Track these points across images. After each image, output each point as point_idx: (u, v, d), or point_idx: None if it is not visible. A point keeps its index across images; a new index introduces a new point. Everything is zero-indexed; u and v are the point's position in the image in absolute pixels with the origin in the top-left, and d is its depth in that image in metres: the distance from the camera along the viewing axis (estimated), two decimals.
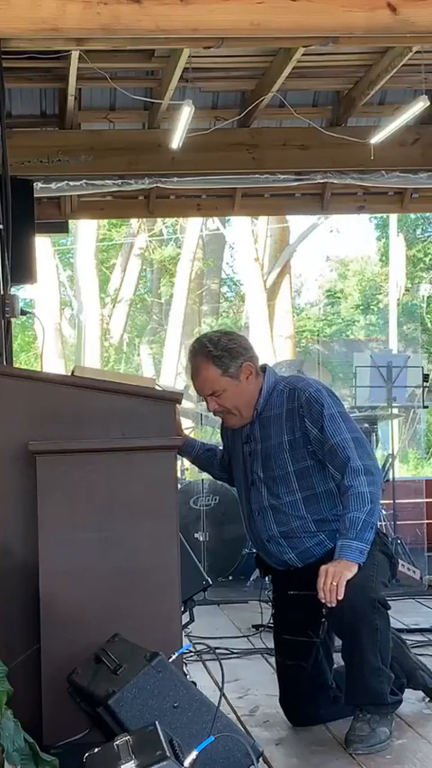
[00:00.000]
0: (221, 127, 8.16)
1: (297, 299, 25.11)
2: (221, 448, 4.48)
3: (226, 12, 4.76)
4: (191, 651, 4.89)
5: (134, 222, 21.99)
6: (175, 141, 7.74)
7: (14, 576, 3.77)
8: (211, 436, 8.28)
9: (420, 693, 4.39)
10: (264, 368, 4.20)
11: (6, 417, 3.80)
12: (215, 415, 4.25)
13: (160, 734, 2.80)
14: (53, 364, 19.47)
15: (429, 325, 23.62)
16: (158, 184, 8.63)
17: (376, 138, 7.97)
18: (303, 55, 6.85)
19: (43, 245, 18.72)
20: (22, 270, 6.72)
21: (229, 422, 4.19)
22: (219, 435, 4.57)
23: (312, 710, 4.17)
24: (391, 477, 8.02)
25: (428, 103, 7.11)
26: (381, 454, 9.18)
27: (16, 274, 6.29)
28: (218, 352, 4.08)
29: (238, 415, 4.14)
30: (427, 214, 20.92)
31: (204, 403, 4.27)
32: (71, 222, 11.57)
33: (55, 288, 22.00)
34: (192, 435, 7.75)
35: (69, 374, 4.13)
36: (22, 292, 18.93)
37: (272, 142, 8.49)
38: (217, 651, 4.80)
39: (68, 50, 6.42)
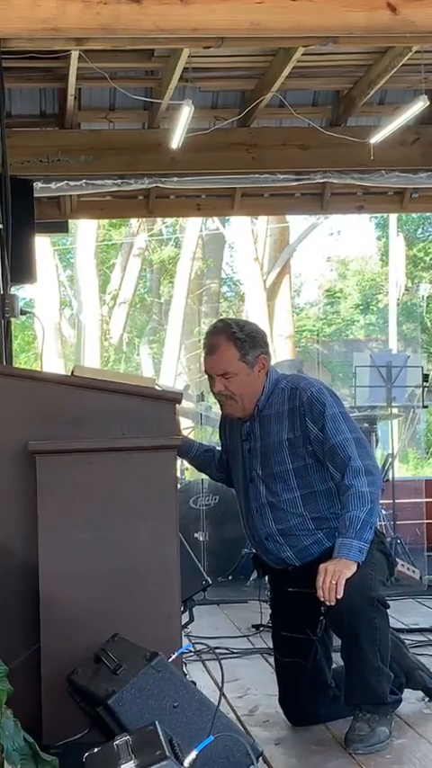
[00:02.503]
0: (221, 127, 8.16)
1: (297, 298, 25.11)
2: (219, 449, 4.48)
3: (226, 12, 4.76)
4: (190, 651, 4.89)
5: (134, 222, 21.98)
6: (175, 141, 7.74)
7: (14, 576, 3.77)
8: (211, 436, 8.28)
9: (420, 693, 4.39)
10: None
11: (6, 417, 3.81)
12: (217, 396, 4.19)
13: (160, 734, 2.80)
14: (53, 364, 19.47)
15: (429, 324, 23.62)
16: (158, 184, 8.63)
17: (376, 138, 7.97)
18: (303, 55, 6.84)
19: (43, 245, 18.72)
20: (21, 270, 6.72)
21: (228, 408, 4.17)
22: (218, 435, 4.57)
23: (312, 710, 4.17)
24: (390, 476, 8.02)
25: (428, 103, 7.11)
26: (380, 454, 9.19)
27: (16, 274, 6.30)
28: (242, 336, 4.07)
29: (240, 404, 4.12)
30: (428, 214, 20.90)
31: (203, 403, 4.27)
32: (71, 222, 11.56)
33: (55, 288, 22.01)
34: (191, 435, 7.77)
35: (69, 374, 4.13)
36: (22, 292, 18.93)
37: (271, 142, 8.48)
38: (216, 651, 4.80)
39: (68, 50, 6.42)
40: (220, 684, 3.26)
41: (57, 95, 8.12)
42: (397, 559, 6.93)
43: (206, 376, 4.23)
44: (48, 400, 3.84)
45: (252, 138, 8.46)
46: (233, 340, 4.07)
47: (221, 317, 4.35)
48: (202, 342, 4.21)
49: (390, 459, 8.29)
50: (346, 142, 8.20)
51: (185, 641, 4.36)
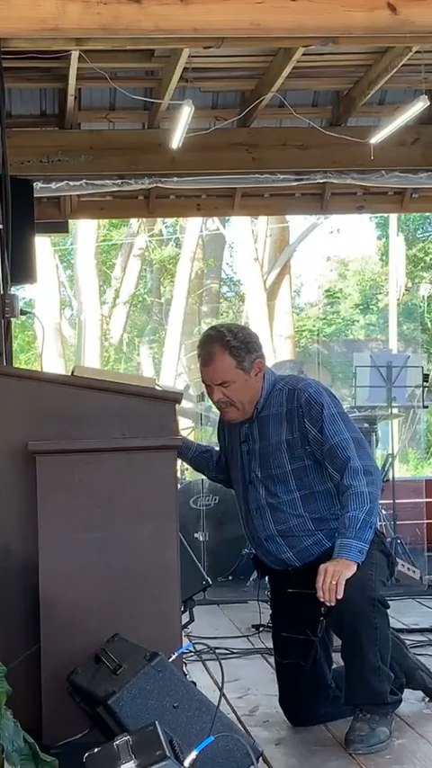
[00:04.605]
0: (221, 127, 8.16)
1: (297, 298, 25.11)
2: (218, 450, 4.47)
3: (226, 12, 4.76)
4: (191, 651, 4.89)
5: (134, 222, 21.99)
6: (175, 141, 7.75)
7: (14, 576, 3.77)
8: (211, 436, 8.27)
9: (420, 693, 4.39)
10: None
11: (6, 417, 3.81)
12: (217, 404, 4.20)
13: (160, 734, 2.80)
14: (53, 364, 19.47)
15: (429, 324, 23.61)
16: (158, 184, 8.63)
17: (376, 138, 7.97)
18: (303, 55, 6.85)
19: (43, 246, 18.72)
20: (22, 270, 6.73)
21: (229, 415, 4.16)
22: (217, 437, 4.56)
23: (312, 710, 4.17)
24: (390, 476, 8.01)
25: (428, 103, 7.11)
26: (380, 454, 9.18)
27: (16, 274, 6.29)
28: (236, 343, 4.06)
29: (241, 410, 4.12)
30: (428, 214, 20.91)
31: (203, 403, 4.26)
32: (71, 222, 11.57)
33: (55, 288, 22.01)
34: (191, 435, 7.77)
35: (69, 374, 4.13)
36: (22, 292, 18.93)
37: (272, 142, 8.49)
38: (217, 651, 4.80)
39: (68, 50, 6.42)
40: (221, 684, 3.26)
41: (57, 95, 8.13)
42: (397, 559, 6.93)
43: (203, 384, 4.23)
44: (48, 400, 3.84)
45: (252, 138, 8.46)
46: (228, 348, 4.06)
47: (213, 325, 4.33)
48: (197, 352, 4.19)
49: (390, 460, 8.28)
50: (346, 142, 8.20)
51: (185, 641, 4.36)
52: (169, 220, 22.35)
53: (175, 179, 8.57)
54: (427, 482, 9.26)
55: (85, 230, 21.21)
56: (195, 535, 7.48)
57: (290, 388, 4.10)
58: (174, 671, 3.23)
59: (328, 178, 8.68)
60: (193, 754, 2.80)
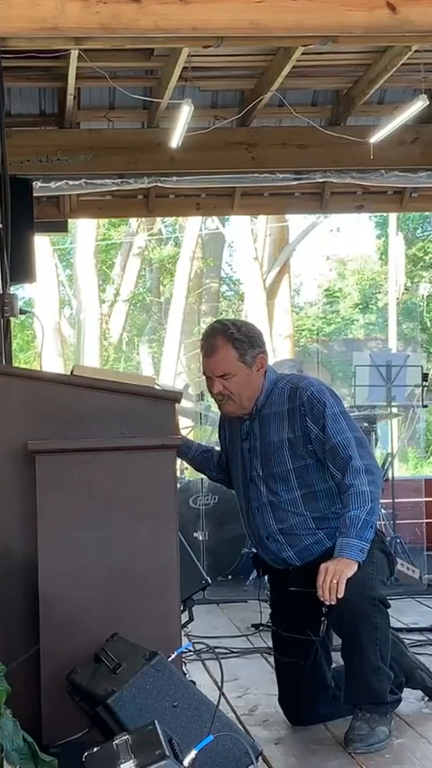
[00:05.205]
0: (221, 126, 8.16)
1: (296, 298, 25.08)
2: (218, 449, 4.47)
3: (225, 11, 4.76)
4: (190, 650, 4.89)
5: (133, 221, 21.99)
6: (175, 140, 7.75)
7: (14, 576, 3.77)
8: (210, 436, 8.27)
9: (419, 693, 4.40)
10: None
11: (6, 417, 3.80)
12: (215, 397, 4.20)
13: (159, 733, 2.80)
14: (53, 364, 19.47)
15: (429, 324, 23.61)
16: (158, 183, 8.63)
17: (375, 138, 7.97)
18: (303, 54, 6.85)
19: (43, 245, 18.71)
20: (21, 269, 6.73)
21: (226, 407, 4.16)
22: (218, 435, 4.56)
23: (311, 710, 4.17)
24: (390, 476, 8.02)
25: (427, 103, 7.12)
26: (380, 453, 9.18)
27: (16, 274, 6.30)
28: (240, 336, 4.07)
29: (238, 404, 4.12)
30: (427, 213, 20.90)
31: (203, 403, 4.26)
32: (70, 221, 11.56)
33: (54, 287, 22.00)
34: (191, 435, 7.76)
35: (69, 374, 4.13)
36: (22, 291, 18.93)
37: (271, 141, 8.50)
38: (216, 650, 4.80)
39: (68, 49, 6.42)
40: (220, 684, 3.26)
41: (56, 95, 8.13)
42: (397, 559, 6.94)
43: (204, 376, 4.23)
44: (48, 400, 3.84)
45: (251, 137, 8.47)
46: (231, 341, 4.07)
47: (218, 319, 4.36)
48: (200, 343, 4.21)
49: (389, 459, 8.29)
50: (345, 141, 8.20)
51: (185, 641, 4.36)
52: (169, 219, 22.36)
53: (175, 178, 8.57)
54: (426, 481, 9.26)
55: (85, 229, 21.21)
56: (195, 534, 7.48)
57: (292, 387, 4.11)
58: (173, 670, 3.23)
59: (327, 177, 8.68)
60: (193, 754, 2.80)
